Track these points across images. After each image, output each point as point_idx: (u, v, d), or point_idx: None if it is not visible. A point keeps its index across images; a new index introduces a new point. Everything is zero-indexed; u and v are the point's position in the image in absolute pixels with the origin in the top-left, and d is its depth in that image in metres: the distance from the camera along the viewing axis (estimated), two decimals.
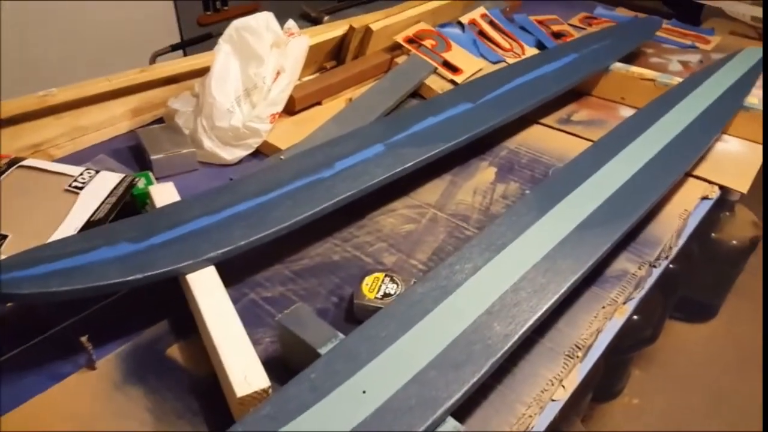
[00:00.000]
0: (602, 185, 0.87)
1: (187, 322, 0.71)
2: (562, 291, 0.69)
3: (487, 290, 0.69)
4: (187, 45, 1.86)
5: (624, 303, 0.78)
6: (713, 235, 1.67)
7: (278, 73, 1.06)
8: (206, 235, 0.76)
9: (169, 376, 0.67)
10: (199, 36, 1.83)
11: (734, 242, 1.68)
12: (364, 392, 0.56)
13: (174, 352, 0.70)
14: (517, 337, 0.63)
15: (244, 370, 0.60)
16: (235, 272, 0.80)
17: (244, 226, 0.78)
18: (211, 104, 1.02)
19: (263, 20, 1.06)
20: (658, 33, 1.53)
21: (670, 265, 1.54)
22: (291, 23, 1.15)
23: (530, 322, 0.65)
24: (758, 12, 1.85)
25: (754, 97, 1.13)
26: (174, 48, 1.82)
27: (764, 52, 1.28)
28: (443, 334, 0.63)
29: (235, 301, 0.74)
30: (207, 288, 0.71)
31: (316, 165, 0.90)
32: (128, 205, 0.88)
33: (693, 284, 1.76)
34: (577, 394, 1.28)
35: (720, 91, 1.10)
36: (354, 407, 0.55)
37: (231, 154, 1.04)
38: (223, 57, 1.04)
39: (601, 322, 0.75)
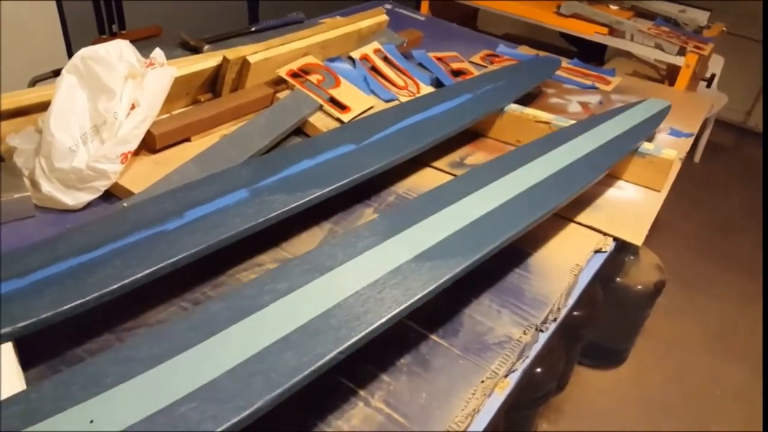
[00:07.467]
0: (456, 217, 0.80)
1: None
2: (376, 325, 0.61)
3: (293, 315, 0.60)
4: None
5: (506, 376, 0.69)
6: (618, 279, 1.63)
7: (133, 108, 0.93)
8: (6, 305, 0.63)
9: None
10: None
11: (639, 287, 1.66)
12: (91, 422, 0.48)
13: None
14: (306, 372, 0.54)
15: None
16: (50, 344, 0.66)
17: (55, 293, 0.64)
18: (50, 142, 0.88)
19: (115, 49, 0.93)
20: (560, 72, 1.50)
21: (575, 312, 1.49)
22: (157, 53, 1.03)
23: (327, 357, 0.56)
24: (656, 54, 1.87)
25: (651, 143, 1.09)
26: (56, 73, 1.65)
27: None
28: (221, 360, 0.54)
29: None
30: None
31: (161, 214, 0.78)
32: None
33: (599, 329, 1.72)
34: None
35: (611, 136, 1.05)
36: None
37: (74, 199, 0.90)
38: (66, 90, 0.91)
39: (479, 399, 0.65)
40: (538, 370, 1.32)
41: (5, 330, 0.59)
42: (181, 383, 0.52)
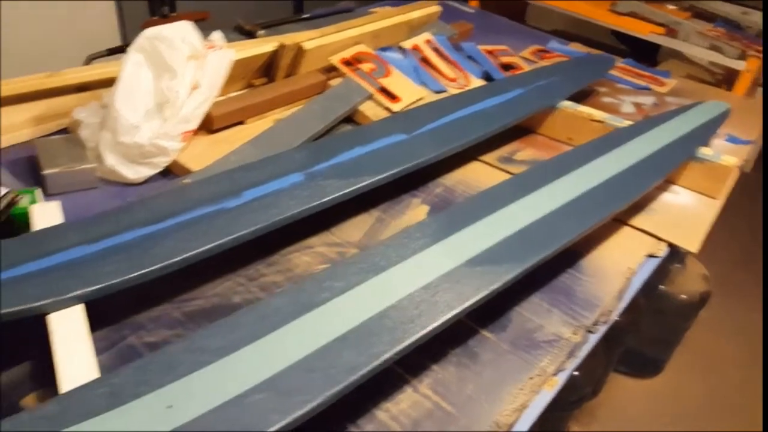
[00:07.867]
0: (509, 221, 0.79)
1: (51, 366, 0.59)
2: (430, 328, 0.62)
3: (350, 313, 0.62)
4: (125, 50, 1.74)
5: (555, 374, 0.69)
6: (662, 287, 1.60)
7: (194, 88, 0.95)
8: (77, 269, 0.66)
9: None
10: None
11: (684, 296, 1.62)
12: (169, 407, 0.50)
13: (30, 403, 0.59)
14: (363, 371, 0.56)
15: None
16: (114, 310, 0.69)
17: (122, 260, 0.67)
18: (115, 118, 0.90)
19: (180, 31, 0.95)
20: (613, 72, 1.48)
21: (616, 317, 1.47)
22: (216, 35, 1.05)
23: (383, 358, 0.57)
24: (715, 57, 1.83)
25: (709, 149, 1.06)
26: (111, 52, 1.69)
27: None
28: (284, 354, 0.56)
29: (111, 344, 0.65)
30: (68, 333, 0.61)
31: (221, 193, 0.79)
32: (7, 225, 0.77)
33: (639, 337, 1.69)
34: None
35: (670, 139, 1.03)
36: (151, 422, 0.49)
37: (135, 173, 0.92)
38: (132, 67, 0.93)
39: (528, 395, 0.65)
40: (576, 373, 1.31)
41: (79, 292, 0.62)
42: (249, 374, 0.53)
